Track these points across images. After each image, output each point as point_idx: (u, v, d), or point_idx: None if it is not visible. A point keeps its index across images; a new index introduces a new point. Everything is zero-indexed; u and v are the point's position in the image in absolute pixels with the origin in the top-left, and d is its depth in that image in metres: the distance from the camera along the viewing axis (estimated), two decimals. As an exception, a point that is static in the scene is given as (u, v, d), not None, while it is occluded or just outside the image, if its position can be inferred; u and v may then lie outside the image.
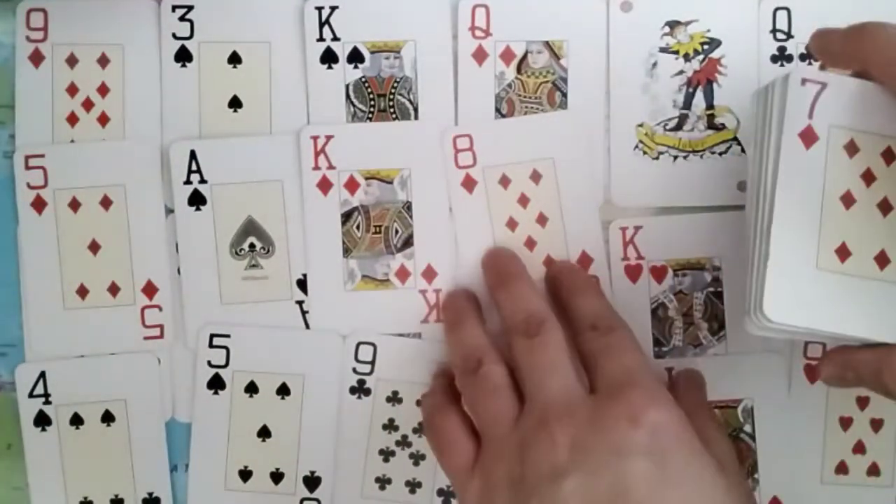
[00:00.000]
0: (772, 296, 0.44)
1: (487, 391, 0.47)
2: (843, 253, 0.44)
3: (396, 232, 0.54)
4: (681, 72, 0.54)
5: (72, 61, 0.54)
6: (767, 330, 0.45)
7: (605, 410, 0.44)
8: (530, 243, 0.54)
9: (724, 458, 0.47)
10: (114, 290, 0.54)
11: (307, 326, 0.55)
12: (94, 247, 0.54)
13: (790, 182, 0.45)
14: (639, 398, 0.44)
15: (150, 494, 0.55)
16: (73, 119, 0.54)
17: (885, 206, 0.45)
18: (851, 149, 0.45)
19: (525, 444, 0.44)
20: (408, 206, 0.54)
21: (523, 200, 0.54)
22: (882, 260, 0.45)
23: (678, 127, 0.54)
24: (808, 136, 0.45)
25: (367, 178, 0.54)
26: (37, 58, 0.54)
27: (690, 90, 0.54)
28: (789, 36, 0.54)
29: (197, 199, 0.54)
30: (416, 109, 0.54)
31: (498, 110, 0.54)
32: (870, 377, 0.45)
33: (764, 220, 0.45)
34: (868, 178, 0.45)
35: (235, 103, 0.54)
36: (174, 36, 0.54)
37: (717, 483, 0.44)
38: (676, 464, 0.43)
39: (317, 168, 0.54)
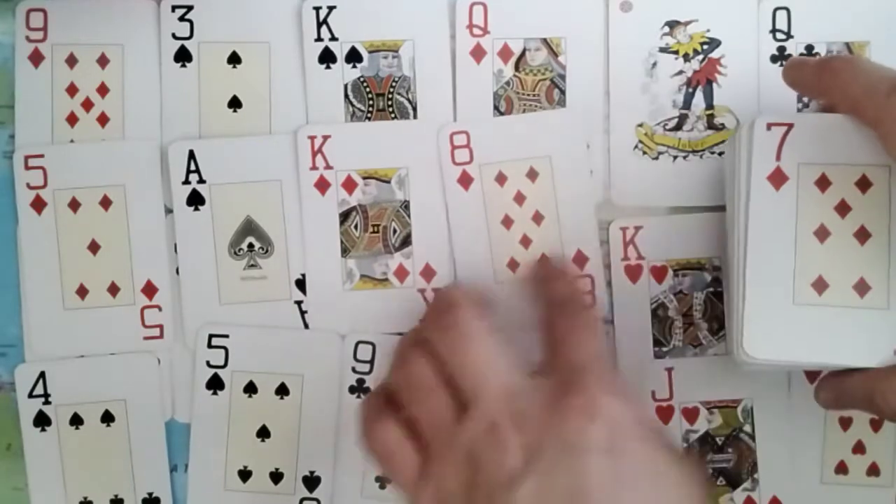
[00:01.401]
0: (751, 335, 0.46)
1: (422, 392, 0.44)
2: (820, 286, 0.46)
3: (394, 231, 0.54)
4: (680, 72, 0.54)
5: (71, 61, 0.54)
6: (754, 365, 0.46)
7: (560, 402, 0.41)
8: (525, 241, 0.54)
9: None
10: (113, 290, 0.54)
11: (306, 326, 0.55)
12: (94, 247, 0.54)
13: (761, 224, 0.46)
14: (595, 389, 0.41)
15: (150, 494, 0.55)
16: (72, 119, 0.54)
17: (862, 235, 0.46)
18: (823, 183, 0.46)
19: (476, 450, 0.42)
20: (406, 206, 0.54)
21: (519, 198, 0.54)
22: (862, 288, 0.46)
23: (678, 127, 0.54)
24: (778, 178, 0.46)
25: (364, 178, 0.54)
26: (36, 58, 0.54)
27: (690, 90, 0.54)
28: (789, 36, 0.54)
29: (196, 199, 0.54)
30: (414, 108, 0.54)
31: (496, 108, 0.54)
32: (862, 401, 0.46)
33: (740, 263, 0.47)
34: (842, 209, 0.46)
35: (235, 103, 0.54)
36: (174, 36, 0.54)
37: (672, 476, 0.41)
38: (634, 461, 0.41)
39: (314, 168, 0.54)
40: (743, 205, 0.47)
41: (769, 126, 0.46)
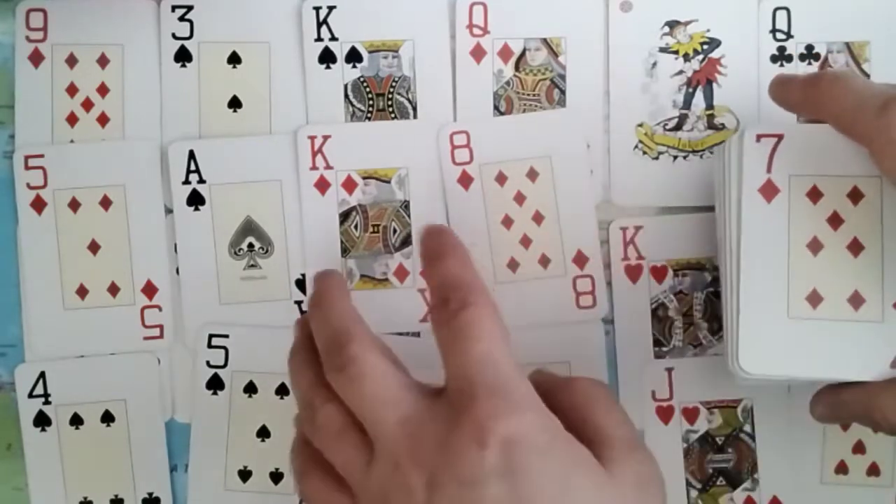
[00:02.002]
0: (746, 351, 0.46)
1: (330, 439, 0.43)
2: (814, 299, 0.46)
3: (394, 231, 0.54)
4: (680, 72, 0.54)
5: (71, 61, 0.54)
6: (750, 379, 0.46)
7: (451, 432, 0.39)
8: (526, 241, 0.54)
9: (618, 443, 0.41)
10: (113, 290, 0.54)
11: (306, 326, 0.55)
12: (94, 247, 0.54)
13: (754, 237, 0.46)
14: (483, 410, 0.38)
15: (150, 494, 0.55)
16: (72, 119, 0.54)
17: (855, 247, 0.45)
18: (815, 195, 0.46)
19: (385, 493, 0.40)
20: (406, 206, 0.54)
21: (519, 198, 0.54)
22: (856, 300, 0.45)
23: (678, 127, 0.54)
24: (769, 190, 0.46)
25: (364, 178, 0.54)
26: (36, 58, 0.54)
27: (690, 90, 0.54)
28: (789, 36, 0.54)
29: (196, 199, 0.54)
30: (414, 108, 0.54)
31: (496, 108, 0.54)
32: (859, 416, 0.46)
33: (733, 276, 0.46)
34: (835, 221, 0.46)
35: (235, 103, 0.54)
36: (174, 36, 0.54)
37: (590, 478, 0.39)
38: (537, 478, 0.38)
39: (314, 168, 0.54)
40: (734, 217, 0.46)
41: (759, 137, 0.46)
